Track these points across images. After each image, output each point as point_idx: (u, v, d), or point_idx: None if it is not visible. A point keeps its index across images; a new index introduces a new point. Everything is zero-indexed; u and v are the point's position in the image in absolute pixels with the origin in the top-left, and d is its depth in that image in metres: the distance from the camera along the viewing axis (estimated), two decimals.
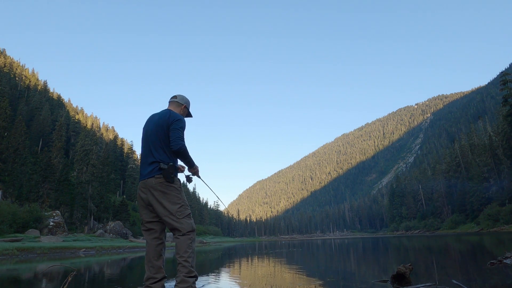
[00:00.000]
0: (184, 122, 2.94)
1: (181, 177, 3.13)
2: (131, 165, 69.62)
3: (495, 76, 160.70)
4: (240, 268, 7.27)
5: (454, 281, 3.34)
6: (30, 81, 77.81)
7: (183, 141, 2.86)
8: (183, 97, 3.21)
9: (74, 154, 52.74)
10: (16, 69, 77.04)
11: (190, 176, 3.16)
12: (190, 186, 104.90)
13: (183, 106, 3.17)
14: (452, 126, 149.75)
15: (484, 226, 41.50)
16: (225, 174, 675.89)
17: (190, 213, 2.88)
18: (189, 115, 3.28)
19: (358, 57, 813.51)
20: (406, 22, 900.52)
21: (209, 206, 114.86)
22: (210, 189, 3.52)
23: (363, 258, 9.29)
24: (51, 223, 30.60)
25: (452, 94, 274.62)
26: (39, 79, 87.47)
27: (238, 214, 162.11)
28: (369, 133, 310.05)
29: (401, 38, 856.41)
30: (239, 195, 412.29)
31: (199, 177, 3.23)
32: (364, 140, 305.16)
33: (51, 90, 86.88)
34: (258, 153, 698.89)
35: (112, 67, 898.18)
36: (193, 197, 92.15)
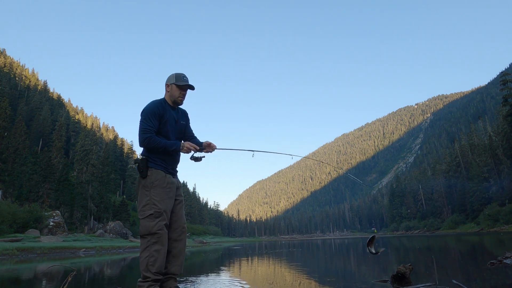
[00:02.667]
0: (146, 112, 2.70)
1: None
2: (131, 165, 69.57)
3: (495, 76, 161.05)
4: (240, 268, 7.27)
5: (454, 281, 3.34)
6: (30, 81, 77.86)
7: (145, 133, 2.65)
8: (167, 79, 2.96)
9: (74, 154, 52.77)
10: (16, 69, 77.08)
11: (194, 156, 2.93)
12: (190, 186, 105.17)
13: (166, 87, 2.92)
14: (452, 126, 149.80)
15: (484, 226, 41.51)
16: (225, 174, 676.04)
17: (152, 214, 2.62)
18: (184, 88, 2.87)
19: (358, 57, 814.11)
20: (406, 22, 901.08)
21: (209, 206, 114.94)
22: (228, 148, 3.25)
23: (363, 258, 9.29)
24: (51, 223, 30.59)
25: (452, 94, 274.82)
26: (39, 79, 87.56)
27: (238, 214, 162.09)
28: (369, 133, 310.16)
29: (401, 38, 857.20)
30: (239, 195, 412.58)
31: (201, 150, 2.96)
32: (364, 140, 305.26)
33: (51, 90, 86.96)
34: (258, 153, 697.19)
35: (112, 66, 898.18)
36: (193, 197, 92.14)
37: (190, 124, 3.21)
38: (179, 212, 2.88)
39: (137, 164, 2.73)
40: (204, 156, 3.01)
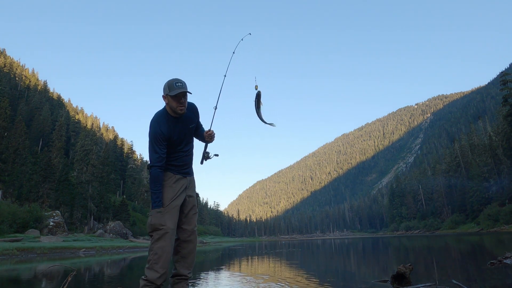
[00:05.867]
0: (150, 139, 2.65)
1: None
2: (131, 165, 69.69)
3: (495, 76, 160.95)
4: (240, 268, 7.27)
5: (454, 281, 3.34)
6: (30, 81, 77.91)
7: (152, 164, 2.63)
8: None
9: (74, 154, 52.79)
10: (16, 69, 77.14)
11: (204, 157, 2.97)
12: None
13: (163, 98, 2.72)
14: (452, 126, 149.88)
15: (484, 226, 41.53)
16: (225, 173, 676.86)
17: (154, 210, 2.61)
18: (179, 96, 2.63)
19: (357, 57, 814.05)
20: (405, 22, 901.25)
21: (209, 206, 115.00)
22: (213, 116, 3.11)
23: (363, 258, 9.29)
24: (51, 223, 30.60)
25: (452, 94, 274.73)
26: (39, 79, 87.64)
27: (238, 214, 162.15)
28: (369, 133, 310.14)
29: (401, 39, 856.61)
30: (239, 195, 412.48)
31: (206, 144, 3.01)
32: (364, 140, 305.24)
33: (51, 90, 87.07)
34: (258, 153, 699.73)
35: (112, 66, 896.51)
36: None
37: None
38: (190, 213, 2.84)
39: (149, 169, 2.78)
40: (215, 154, 2.99)
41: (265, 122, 3.05)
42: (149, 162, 2.70)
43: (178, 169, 2.81)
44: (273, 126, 3.07)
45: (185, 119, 2.81)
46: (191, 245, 2.82)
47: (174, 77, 2.71)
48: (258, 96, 3.02)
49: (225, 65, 3.22)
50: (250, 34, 3.20)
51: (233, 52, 3.19)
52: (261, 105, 3.03)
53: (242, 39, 3.19)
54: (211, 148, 3.11)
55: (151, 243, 2.63)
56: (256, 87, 3.00)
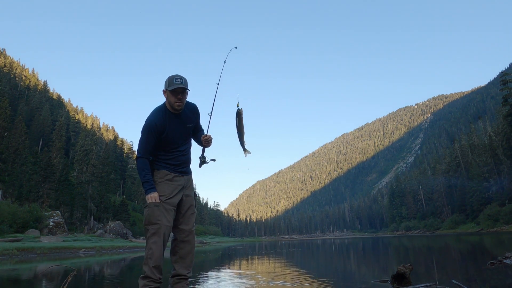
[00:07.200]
0: (143, 131, 2.69)
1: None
2: (131, 165, 69.62)
3: (495, 76, 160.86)
4: (240, 268, 7.27)
5: (454, 281, 3.34)
6: (30, 81, 77.93)
7: (138, 155, 2.70)
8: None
9: (74, 154, 52.80)
10: (16, 69, 77.14)
11: (201, 162, 2.99)
12: None
13: (163, 93, 2.78)
14: (452, 126, 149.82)
15: (484, 226, 41.53)
16: (225, 173, 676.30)
17: (152, 203, 2.63)
18: (176, 91, 2.66)
19: (357, 57, 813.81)
20: (405, 22, 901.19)
21: (209, 206, 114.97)
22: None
23: (363, 258, 9.30)
24: (51, 223, 30.60)
25: (452, 94, 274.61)
26: (39, 79, 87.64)
27: (238, 214, 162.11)
28: (369, 133, 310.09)
29: (401, 39, 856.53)
30: (239, 195, 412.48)
31: (203, 148, 3.00)
32: (364, 140, 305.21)
33: (51, 90, 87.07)
34: (258, 153, 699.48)
35: (112, 65, 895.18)
36: None
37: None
38: (187, 213, 2.84)
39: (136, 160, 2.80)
40: (212, 159, 3.00)
41: (243, 147, 3.05)
42: (137, 153, 2.72)
43: (175, 168, 2.81)
44: (248, 153, 3.05)
45: (183, 117, 2.83)
46: (189, 246, 2.81)
47: (176, 73, 2.76)
48: (238, 114, 2.99)
49: (224, 66, 3.24)
50: (236, 47, 3.24)
51: (224, 62, 3.22)
52: (243, 126, 3.01)
53: (230, 51, 3.24)
54: (209, 151, 3.10)
55: (146, 238, 2.67)
56: (238, 105, 2.99)
